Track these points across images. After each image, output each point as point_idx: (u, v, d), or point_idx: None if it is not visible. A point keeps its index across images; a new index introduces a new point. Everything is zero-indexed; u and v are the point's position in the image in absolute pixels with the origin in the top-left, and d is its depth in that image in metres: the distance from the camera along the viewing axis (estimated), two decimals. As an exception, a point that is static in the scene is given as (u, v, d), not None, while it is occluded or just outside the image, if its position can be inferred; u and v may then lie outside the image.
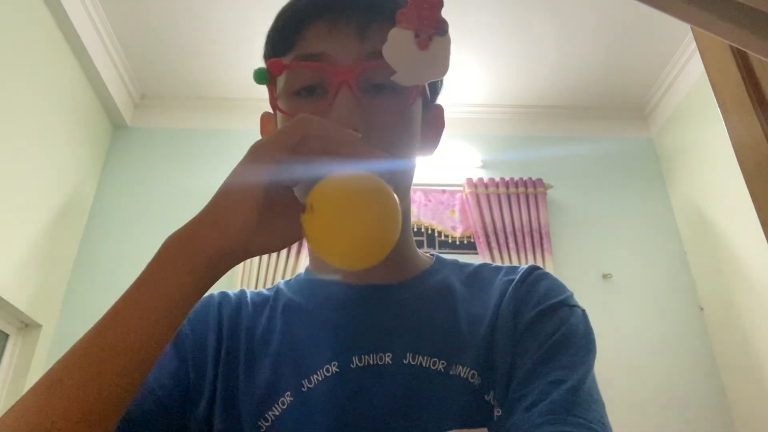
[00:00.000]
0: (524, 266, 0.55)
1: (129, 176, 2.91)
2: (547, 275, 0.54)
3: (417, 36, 0.43)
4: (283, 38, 0.51)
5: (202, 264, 0.38)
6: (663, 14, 0.60)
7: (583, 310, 0.52)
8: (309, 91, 0.49)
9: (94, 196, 2.83)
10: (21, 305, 2.24)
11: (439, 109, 0.59)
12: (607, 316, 2.64)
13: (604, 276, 2.75)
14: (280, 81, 0.51)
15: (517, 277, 0.54)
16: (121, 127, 3.02)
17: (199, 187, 2.89)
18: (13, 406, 0.37)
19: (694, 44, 1.69)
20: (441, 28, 0.44)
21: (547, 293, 0.51)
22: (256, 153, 0.40)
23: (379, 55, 0.44)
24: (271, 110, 0.54)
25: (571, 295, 0.52)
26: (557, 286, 0.53)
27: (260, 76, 0.48)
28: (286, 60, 0.50)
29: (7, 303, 2.17)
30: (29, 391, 0.37)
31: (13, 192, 2.18)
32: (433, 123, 0.58)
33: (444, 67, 0.45)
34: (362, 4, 0.49)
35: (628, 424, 2.39)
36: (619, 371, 2.51)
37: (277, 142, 0.39)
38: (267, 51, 0.55)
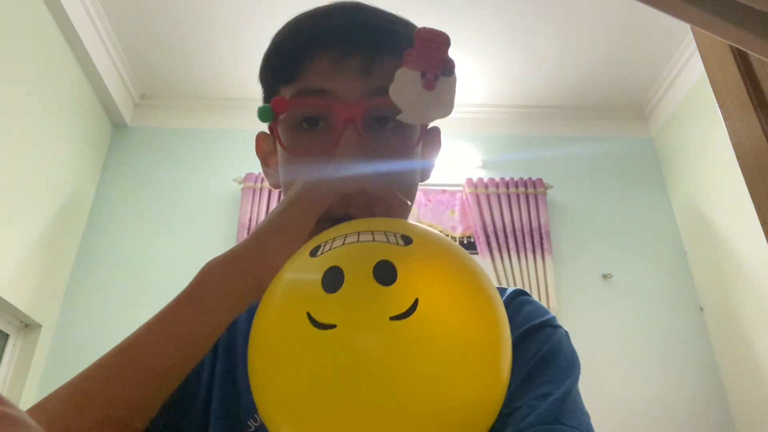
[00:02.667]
0: (510, 289, 0.56)
1: (129, 176, 2.91)
2: (530, 300, 0.55)
3: (423, 76, 0.44)
4: (284, 67, 0.51)
5: (242, 300, 0.39)
6: (663, 14, 0.61)
7: (566, 332, 0.53)
8: (311, 123, 0.49)
9: (94, 196, 2.83)
10: (21, 305, 2.24)
11: (436, 131, 0.59)
12: (607, 316, 2.64)
13: (604, 276, 2.75)
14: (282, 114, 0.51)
15: (502, 300, 0.54)
16: (121, 127, 3.02)
17: (199, 187, 2.90)
18: (36, 411, 0.37)
19: (694, 44, 1.69)
20: (447, 68, 0.44)
21: (530, 315, 0.52)
22: (309, 194, 0.40)
23: (384, 91, 0.44)
24: (266, 131, 0.54)
25: (554, 318, 0.54)
26: (540, 309, 0.54)
27: (265, 115, 0.48)
28: (287, 91, 0.50)
29: (7, 303, 2.17)
30: (47, 403, 0.37)
31: (13, 192, 2.18)
32: (430, 145, 0.57)
33: (449, 106, 0.45)
34: (368, 40, 0.48)
35: (627, 424, 2.39)
36: (619, 371, 2.51)
37: (333, 188, 0.40)
38: (266, 76, 0.54)
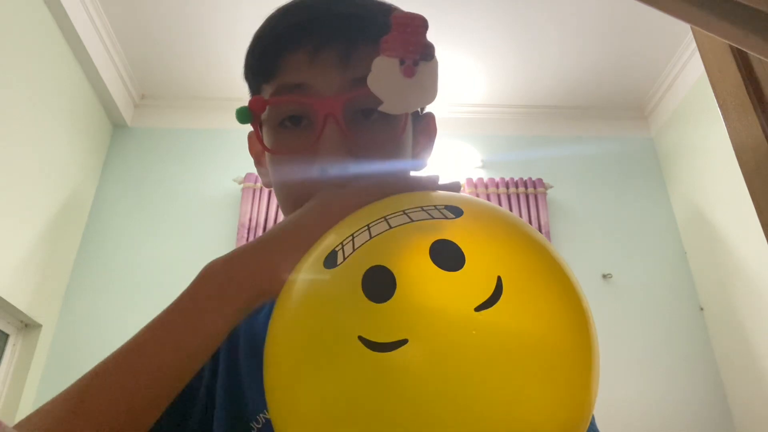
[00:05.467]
0: None
1: (129, 176, 2.91)
2: None
3: (402, 63, 0.41)
4: (262, 65, 0.50)
5: (243, 307, 0.38)
6: (663, 14, 0.61)
7: None
8: (294, 122, 0.47)
9: (94, 196, 2.83)
10: (21, 305, 2.24)
11: (430, 117, 0.57)
12: (607, 316, 2.64)
13: (604, 276, 2.75)
14: (263, 113, 0.49)
15: None
16: (121, 127, 3.02)
17: (199, 187, 2.90)
18: (25, 423, 0.36)
19: (694, 44, 1.69)
20: (426, 52, 0.41)
21: None
22: (326, 208, 0.38)
23: (363, 81, 0.42)
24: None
25: None
26: None
27: (243, 116, 0.46)
28: (267, 89, 0.49)
29: (7, 303, 2.17)
30: (45, 411, 0.36)
31: (13, 192, 2.18)
32: (424, 132, 0.56)
33: (432, 92, 0.43)
34: (344, 30, 0.47)
35: (627, 424, 2.39)
36: (618, 371, 2.51)
37: (350, 198, 0.38)
38: (247, 75, 0.53)
